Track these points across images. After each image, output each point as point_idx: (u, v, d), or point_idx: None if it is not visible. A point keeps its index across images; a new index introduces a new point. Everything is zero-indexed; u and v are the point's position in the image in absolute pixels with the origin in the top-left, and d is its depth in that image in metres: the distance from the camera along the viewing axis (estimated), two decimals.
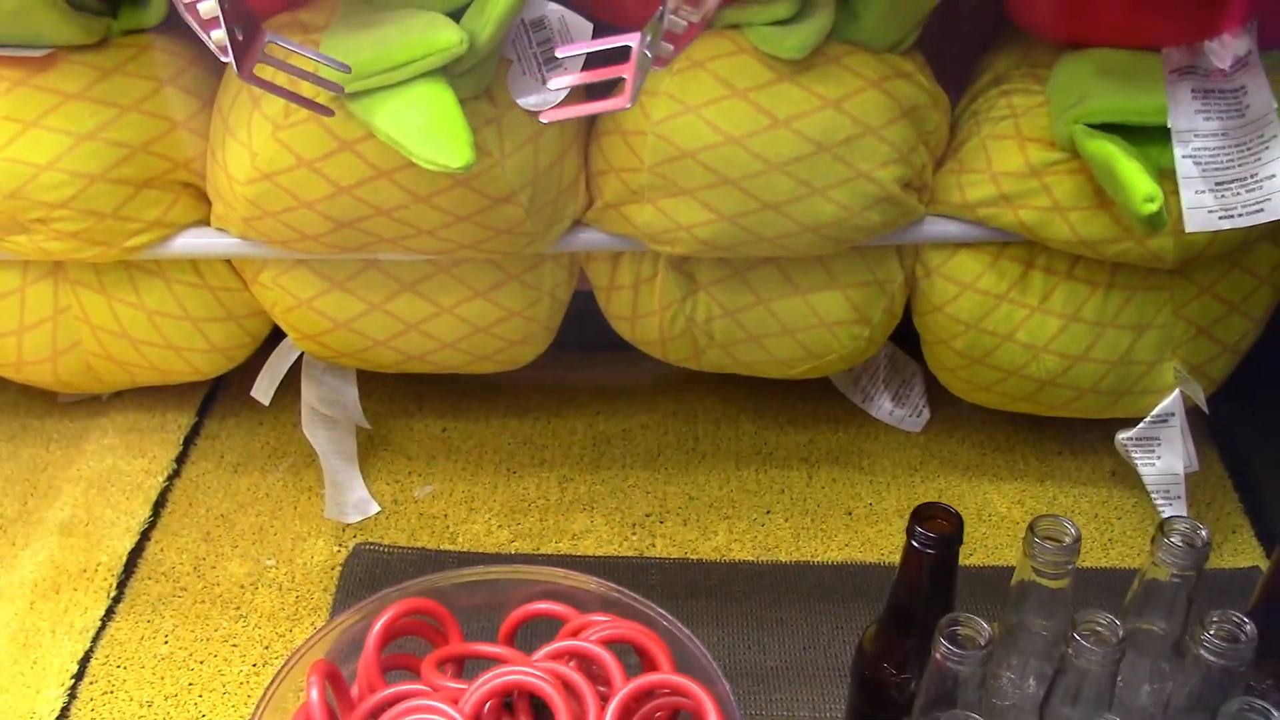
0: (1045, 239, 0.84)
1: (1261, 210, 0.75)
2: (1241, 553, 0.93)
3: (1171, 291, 0.88)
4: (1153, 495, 0.92)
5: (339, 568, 0.92)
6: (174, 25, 0.86)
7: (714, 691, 0.69)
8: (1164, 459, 0.91)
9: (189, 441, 1.02)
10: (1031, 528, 0.64)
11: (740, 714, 0.69)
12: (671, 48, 0.66)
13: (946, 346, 0.92)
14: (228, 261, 0.92)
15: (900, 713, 0.68)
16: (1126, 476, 0.98)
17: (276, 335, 0.97)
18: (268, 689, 0.70)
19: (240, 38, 0.62)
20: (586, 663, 0.71)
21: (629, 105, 0.66)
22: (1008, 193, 0.83)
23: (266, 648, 0.86)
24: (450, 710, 0.65)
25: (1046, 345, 0.88)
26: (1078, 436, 1.02)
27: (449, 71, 0.75)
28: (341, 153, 0.79)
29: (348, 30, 0.77)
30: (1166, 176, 0.77)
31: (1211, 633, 0.60)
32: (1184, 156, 0.76)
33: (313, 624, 0.87)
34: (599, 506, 0.97)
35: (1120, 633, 0.60)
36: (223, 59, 0.64)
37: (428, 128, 0.73)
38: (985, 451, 1.02)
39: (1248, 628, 0.60)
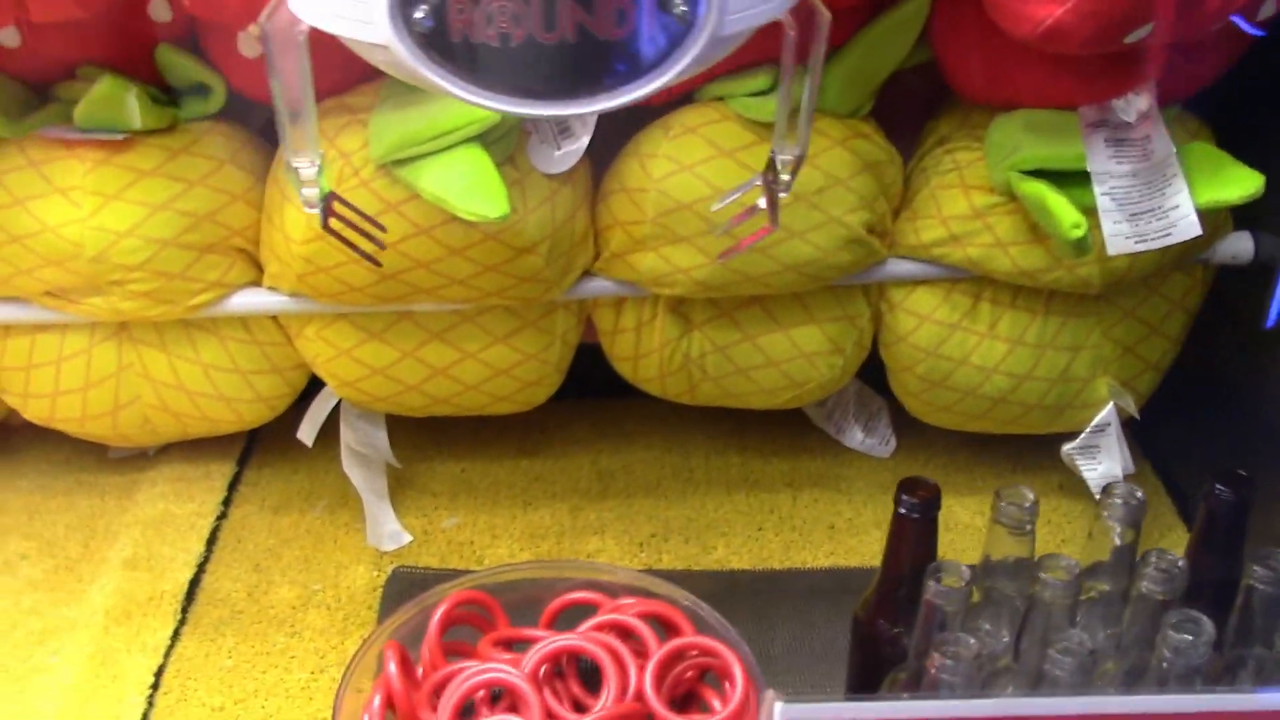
0: (990, 272, 0.98)
1: (1169, 234, 0.89)
2: (1177, 548, 1.06)
3: (1100, 316, 1.02)
4: (1098, 497, 1.05)
5: (380, 589, 1.02)
6: (230, 113, 0.99)
7: (738, 652, 0.80)
8: (1104, 464, 1.04)
9: (232, 488, 1.12)
10: (998, 494, 0.77)
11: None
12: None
13: (909, 373, 1.05)
14: (274, 319, 1.04)
15: (891, 664, 0.79)
16: (1072, 489, 1.11)
17: (310, 388, 1.08)
18: (349, 667, 0.80)
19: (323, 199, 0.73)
20: (624, 634, 0.82)
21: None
22: (956, 233, 0.97)
23: (322, 657, 0.95)
24: (514, 670, 0.76)
25: (996, 367, 1.02)
26: (1026, 457, 1.15)
27: (482, 140, 0.88)
28: (388, 213, 0.91)
29: (393, 108, 0.90)
30: (1089, 213, 0.91)
31: (1150, 568, 0.73)
32: (1102, 194, 0.90)
33: (361, 636, 0.97)
34: (608, 530, 1.08)
35: (1077, 570, 0.72)
36: (308, 210, 0.74)
37: (469, 185, 0.86)
38: (948, 472, 1.15)
39: (1180, 563, 0.73)
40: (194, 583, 1.02)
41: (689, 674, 0.80)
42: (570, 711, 0.77)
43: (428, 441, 1.18)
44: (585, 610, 0.86)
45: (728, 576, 1.03)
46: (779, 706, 0.48)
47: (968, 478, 1.15)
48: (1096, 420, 1.03)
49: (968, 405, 1.05)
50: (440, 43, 0.51)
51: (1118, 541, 0.78)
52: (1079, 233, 0.87)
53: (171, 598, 1.00)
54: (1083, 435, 1.04)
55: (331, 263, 0.94)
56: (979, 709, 0.50)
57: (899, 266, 1.01)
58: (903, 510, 0.77)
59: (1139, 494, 0.78)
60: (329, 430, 1.08)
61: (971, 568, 0.74)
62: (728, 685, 0.79)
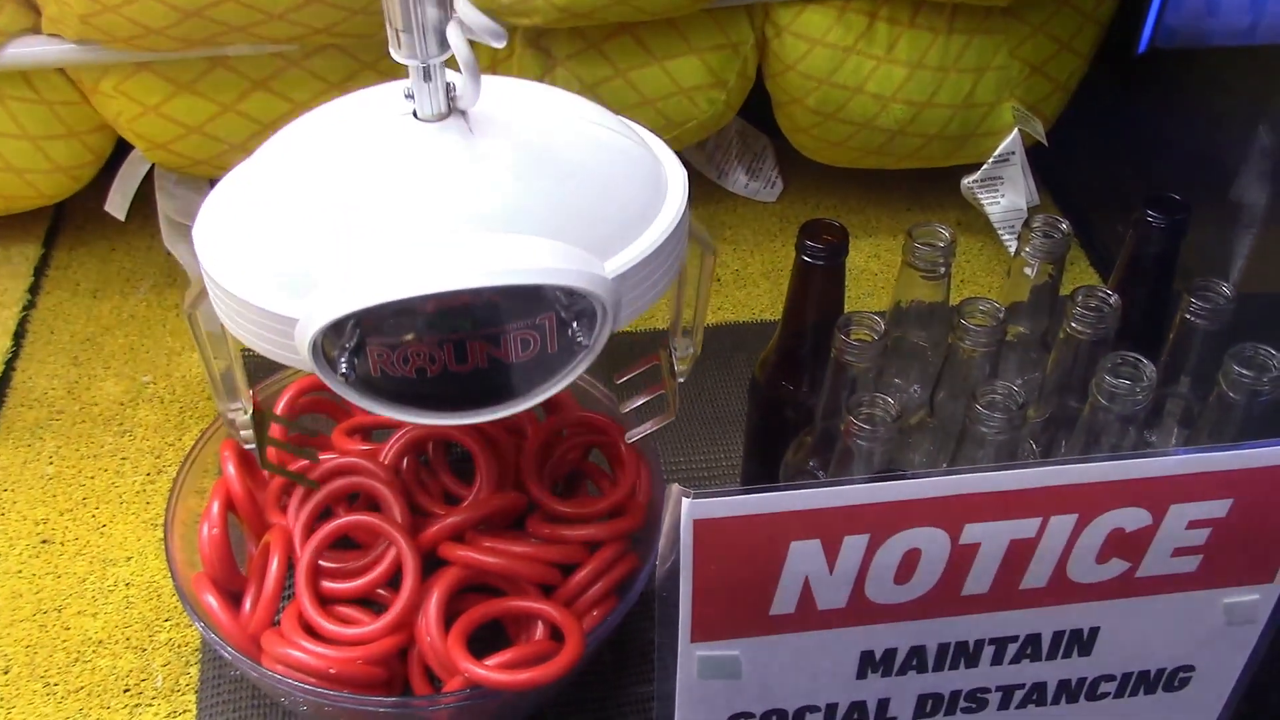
0: None
1: None
2: (1081, 280, 1.00)
3: (1007, 33, 0.92)
4: (999, 232, 0.98)
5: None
6: None
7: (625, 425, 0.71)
8: (1007, 196, 0.97)
9: (39, 273, 0.98)
10: (910, 233, 0.68)
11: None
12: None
13: (800, 105, 0.94)
14: (62, 72, 0.88)
15: (795, 428, 0.72)
16: (971, 225, 1.04)
17: (118, 155, 0.94)
18: (182, 467, 0.70)
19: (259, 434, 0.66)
20: None
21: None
22: None
23: (158, 457, 0.85)
24: (370, 463, 0.66)
25: (894, 94, 0.92)
26: (922, 193, 1.07)
27: None
28: None
29: None
30: None
31: (1079, 307, 0.65)
32: None
33: (201, 431, 0.86)
34: None
35: (1002, 314, 0.64)
36: (245, 444, 0.65)
37: None
38: (839, 213, 1.06)
39: (1112, 299, 0.66)
40: (3, 382, 0.89)
41: (572, 454, 0.72)
42: (439, 505, 0.68)
43: None
44: None
45: (609, 340, 0.94)
46: (687, 503, 0.40)
47: (860, 219, 1.06)
48: (1000, 149, 0.95)
49: (863, 139, 0.96)
50: (362, 379, 0.54)
51: (1037, 279, 0.71)
52: None
53: None
54: (985, 166, 0.96)
55: None
56: (906, 490, 0.42)
57: None
58: (807, 257, 0.68)
59: (1063, 225, 0.70)
60: (145, 201, 0.94)
61: (879, 315, 0.66)
62: (616, 464, 0.71)
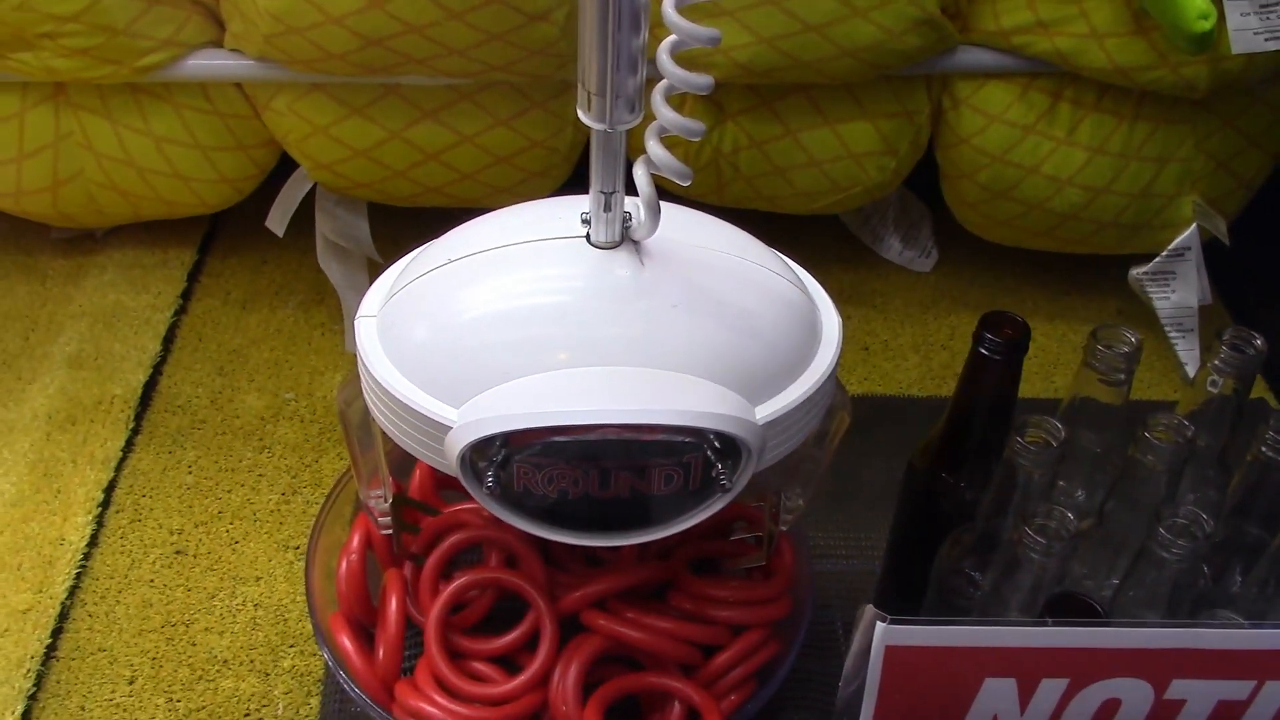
0: (1079, 67, 0.84)
1: None
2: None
3: (1194, 124, 0.88)
4: (1166, 328, 0.94)
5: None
6: None
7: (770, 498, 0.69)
8: (1179, 292, 0.93)
9: (193, 278, 1.00)
10: (1094, 334, 0.66)
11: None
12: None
13: (970, 180, 0.92)
14: (239, 87, 0.89)
15: (952, 523, 0.69)
16: (1133, 314, 1.00)
17: (280, 170, 0.95)
18: (331, 494, 0.70)
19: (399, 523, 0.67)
20: None
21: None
22: (1044, 19, 0.83)
23: (294, 477, 0.85)
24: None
25: (1071, 178, 0.89)
26: (1082, 278, 1.04)
27: None
28: None
29: None
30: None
31: (1273, 431, 0.62)
32: None
33: (338, 454, 0.86)
34: None
35: (1189, 432, 0.61)
36: (384, 529, 0.66)
37: None
38: (995, 292, 1.03)
39: None
40: (149, 385, 0.90)
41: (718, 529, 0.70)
42: (581, 565, 0.67)
43: (415, 234, 1.03)
44: None
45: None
46: (881, 628, 0.38)
47: (1016, 299, 1.03)
48: (1176, 243, 0.91)
49: (1032, 220, 0.93)
50: (506, 492, 0.54)
51: (1221, 392, 0.67)
52: (1205, 25, 0.73)
53: (123, 402, 0.88)
54: (1158, 259, 0.92)
55: (305, 22, 0.79)
56: (1114, 638, 0.39)
57: (971, 55, 0.87)
58: (984, 350, 0.65)
59: (1257, 341, 0.66)
60: (303, 218, 0.95)
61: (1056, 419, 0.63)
62: (758, 537, 0.69)
